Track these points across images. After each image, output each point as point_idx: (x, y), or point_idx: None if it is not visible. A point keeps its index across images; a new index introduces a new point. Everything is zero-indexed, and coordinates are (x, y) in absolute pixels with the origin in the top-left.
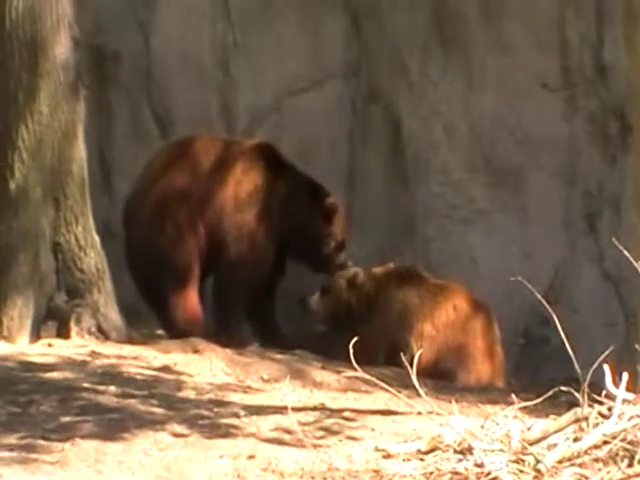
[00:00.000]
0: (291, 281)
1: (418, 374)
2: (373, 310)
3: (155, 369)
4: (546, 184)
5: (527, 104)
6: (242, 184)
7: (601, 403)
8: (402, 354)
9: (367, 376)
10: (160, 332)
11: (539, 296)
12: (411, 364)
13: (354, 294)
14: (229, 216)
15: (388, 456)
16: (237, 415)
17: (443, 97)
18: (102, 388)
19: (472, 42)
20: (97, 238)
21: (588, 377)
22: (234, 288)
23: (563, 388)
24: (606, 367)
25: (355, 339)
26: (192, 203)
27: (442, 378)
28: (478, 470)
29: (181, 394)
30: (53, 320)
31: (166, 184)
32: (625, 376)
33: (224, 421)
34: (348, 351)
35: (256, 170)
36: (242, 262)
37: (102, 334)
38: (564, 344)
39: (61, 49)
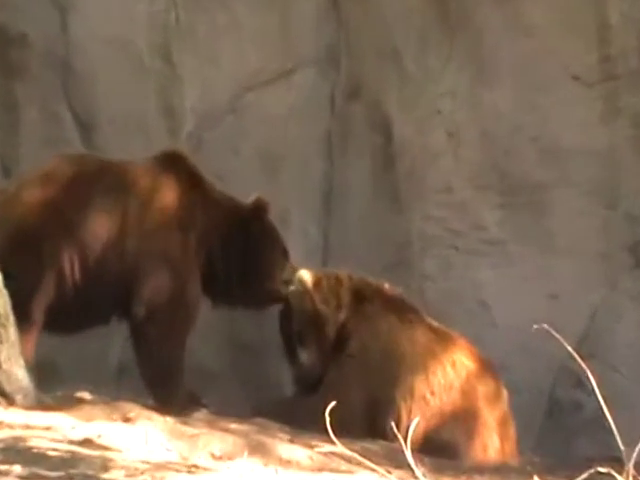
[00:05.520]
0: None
1: (411, 446)
2: (348, 334)
3: (73, 443)
4: (578, 205)
5: (554, 102)
6: (146, 206)
7: None
8: (388, 418)
9: (348, 452)
10: (81, 394)
11: (570, 349)
12: (404, 434)
13: (317, 295)
14: (132, 247)
15: None
16: None
17: (446, 93)
18: (4, 467)
19: (483, 24)
20: None
21: (634, 455)
22: (162, 335)
23: (601, 469)
24: None
25: (330, 404)
26: (61, 234)
27: (436, 453)
28: None
29: (107, 475)
30: None
31: (31, 209)
32: None
33: None
34: (318, 417)
35: (165, 189)
36: (165, 299)
37: (4, 398)
38: (601, 411)
39: None
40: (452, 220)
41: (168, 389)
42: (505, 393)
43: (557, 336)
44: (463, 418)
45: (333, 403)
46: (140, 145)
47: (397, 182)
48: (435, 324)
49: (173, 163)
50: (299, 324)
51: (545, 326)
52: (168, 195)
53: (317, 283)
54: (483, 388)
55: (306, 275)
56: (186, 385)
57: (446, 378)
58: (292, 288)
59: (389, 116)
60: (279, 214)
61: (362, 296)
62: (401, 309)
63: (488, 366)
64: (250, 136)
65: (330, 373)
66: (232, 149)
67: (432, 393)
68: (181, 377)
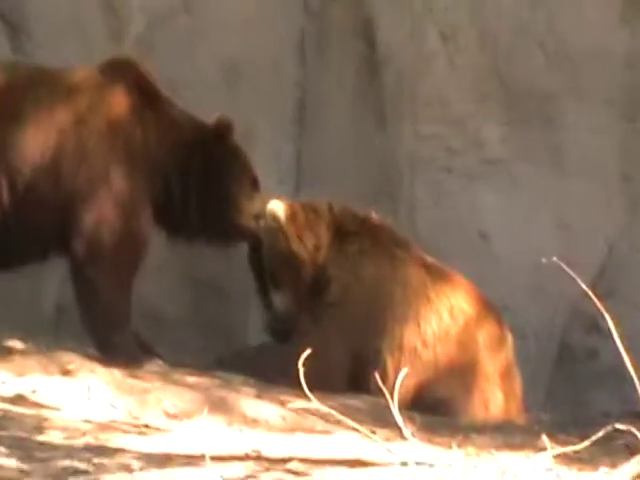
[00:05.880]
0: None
1: (400, 405)
2: (328, 278)
3: (4, 400)
4: (592, 118)
5: None
6: (87, 122)
7: None
8: (372, 372)
9: (325, 408)
10: (11, 343)
11: (584, 286)
12: (391, 389)
13: (292, 232)
14: (70, 170)
15: None
16: (129, 469)
17: None
18: None
19: None
20: None
21: None
22: (106, 274)
23: (619, 426)
24: None
25: (305, 352)
26: None
27: (430, 412)
28: None
29: (43, 437)
30: None
31: None
32: None
33: (109, 478)
34: (290, 369)
35: (111, 101)
36: (109, 232)
37: None
38: (620, 358)
39: None
40: (447, 137)
41: (114, 336)
42: (510, 340)
43: (569, 271)
44: (461, 371)
45: (308, 352)
46: (78, 50)
47: (382, 93)
48: (429, 261)
49: (122, 73)
50: (272, 264)
51: (555, 260)
52: (115, 110)
53: (292, 217)
54: (484, 335)
55: (279, 207)
56: (135, 332)
57: (441, 326)
58: (263, 223)
59: (372, 17)
60: (243, 131)
61: (345, 231)
62: (390, 245)
63: (490, 309)
64: (208, 39)
65: (307, 320)
66: (187, 54)
67: (425, 344)
68: (128, 322)
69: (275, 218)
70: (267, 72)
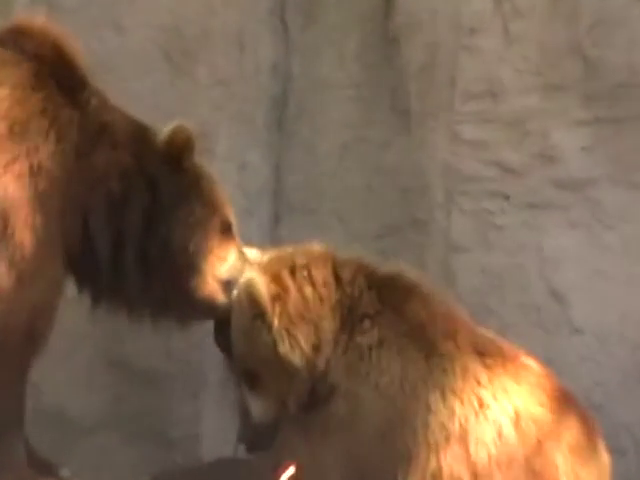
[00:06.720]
0: None
1: None
2: (332, 386)
3: None
4: None
5: None
6: None
7: None
8: None
9: None
10: None
11: None
12: None
13: (281, 322)
14: None
15: None
16: None
17: None
18: None
19: None
20: None
21: None
22: None
23: None
24: None
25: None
26: None
27: None
28: None
29: None
30: None
31: None
32: None
33: None
34: None
35: (10, 91)
36: None
37: None
38: None
39: None
40: (500, 145)
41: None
42: (604, 455)
43: None
44: None
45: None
46: None
47: (404, 78)
48: (483, 340)
49: (30, 45)
50: (247, 360)
51: None
52: (15, 103)
53: (280, 299)
54: (566, 451)
55: (259, 284)
56: (29, 444)
57: (501, 445)
58: (235, 294)
59: None
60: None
61: (358, 313)
62: (425, 325)
63: (572, 410)
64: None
65: (293, 432)
66: (112, 22)
67: (475, 474)
68: (19, 432)
69: (253, 301)
70: (230, 51)
